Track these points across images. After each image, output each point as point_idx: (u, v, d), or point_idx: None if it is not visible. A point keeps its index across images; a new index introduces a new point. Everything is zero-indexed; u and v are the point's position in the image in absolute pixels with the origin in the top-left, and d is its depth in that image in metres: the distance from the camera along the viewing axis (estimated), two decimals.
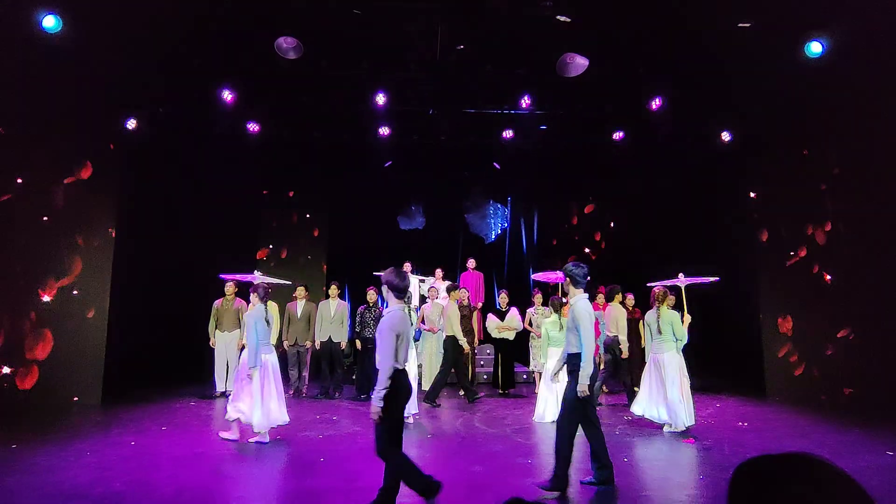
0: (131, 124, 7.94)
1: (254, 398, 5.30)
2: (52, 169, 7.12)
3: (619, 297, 7.60)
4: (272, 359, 5.61)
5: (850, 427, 6.00)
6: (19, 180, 6.74)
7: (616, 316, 7.42)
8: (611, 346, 7.34)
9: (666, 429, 5.95)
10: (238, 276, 7.57)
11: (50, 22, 6.02)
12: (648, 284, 7.48)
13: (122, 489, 4.04)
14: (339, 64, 7.80)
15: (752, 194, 8.65)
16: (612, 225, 12.63)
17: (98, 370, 7.54)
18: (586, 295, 4.34)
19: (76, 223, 7.36)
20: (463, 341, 7.85)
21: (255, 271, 7.45)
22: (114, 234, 7.81)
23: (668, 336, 5.98)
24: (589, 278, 4.35)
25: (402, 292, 3.65)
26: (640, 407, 6.18)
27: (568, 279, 4.29)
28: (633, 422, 6.48)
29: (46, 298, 7.00)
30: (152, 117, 8.17)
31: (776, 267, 8.26)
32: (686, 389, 6.01)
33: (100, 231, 7.69)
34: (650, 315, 6.21)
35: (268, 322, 5.43)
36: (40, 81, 6.62)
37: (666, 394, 5.88)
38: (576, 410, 4.11)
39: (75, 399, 7.19)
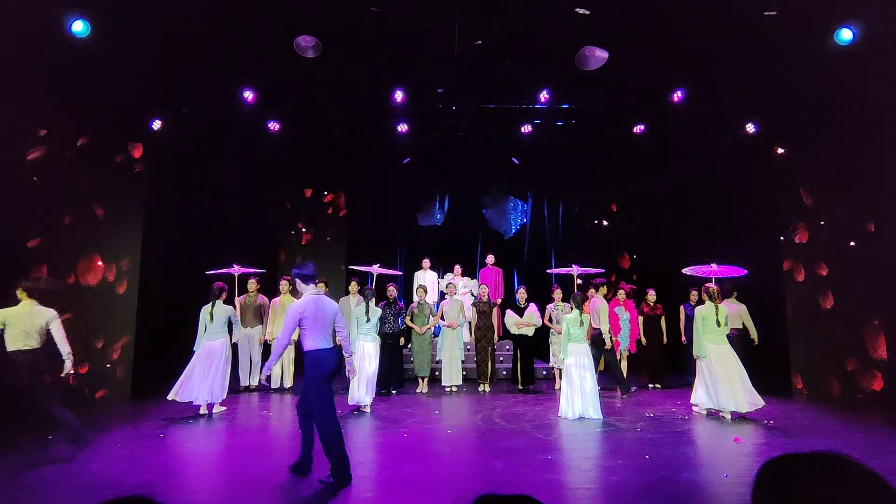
0: (156, 125, 8.13)
1: (185, 374, 6.36)
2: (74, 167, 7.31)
3: (735, 293, 8.19)
4: (216, 346, 6.59)
5: (880, 426, 5.84)
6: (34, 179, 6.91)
7: (738, 312, 7.97)
8: (736, 338, 7.60)
9: (740, 409, 6.20)
10: (220, 270, 8.14)
11: (79, 27, 6.15)
12: (683, 271, 7.48)
13: (152, 479, 4.18)
14: (357, 61, 7.84)
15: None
16: (631, 220, 12.45)
17: (128, 366, 7.78)
18: (319, 291, 4.39)
19: (105, 218, 7.56)
20: (607, 336, 7.96)
21: (234, 265, 8.18)
22: (141, 232, 8.01)
23: (725, 328, 6.51)
24: (316, 278, 4.41)
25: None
26: (724, 403, 6.27)
27: (298, 280, 4.36)
28: (654, 418, 6.42)
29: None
30: (176, 117, 8.34)
31: (805, 262, 8.05)
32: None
33: (128, 228, 7.89)
34: (706, 310, 6.54)
35: (211, 316, 6.64)
36: (65, 83, 6.75)
37: (740, 378, 6.27)
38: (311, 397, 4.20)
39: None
